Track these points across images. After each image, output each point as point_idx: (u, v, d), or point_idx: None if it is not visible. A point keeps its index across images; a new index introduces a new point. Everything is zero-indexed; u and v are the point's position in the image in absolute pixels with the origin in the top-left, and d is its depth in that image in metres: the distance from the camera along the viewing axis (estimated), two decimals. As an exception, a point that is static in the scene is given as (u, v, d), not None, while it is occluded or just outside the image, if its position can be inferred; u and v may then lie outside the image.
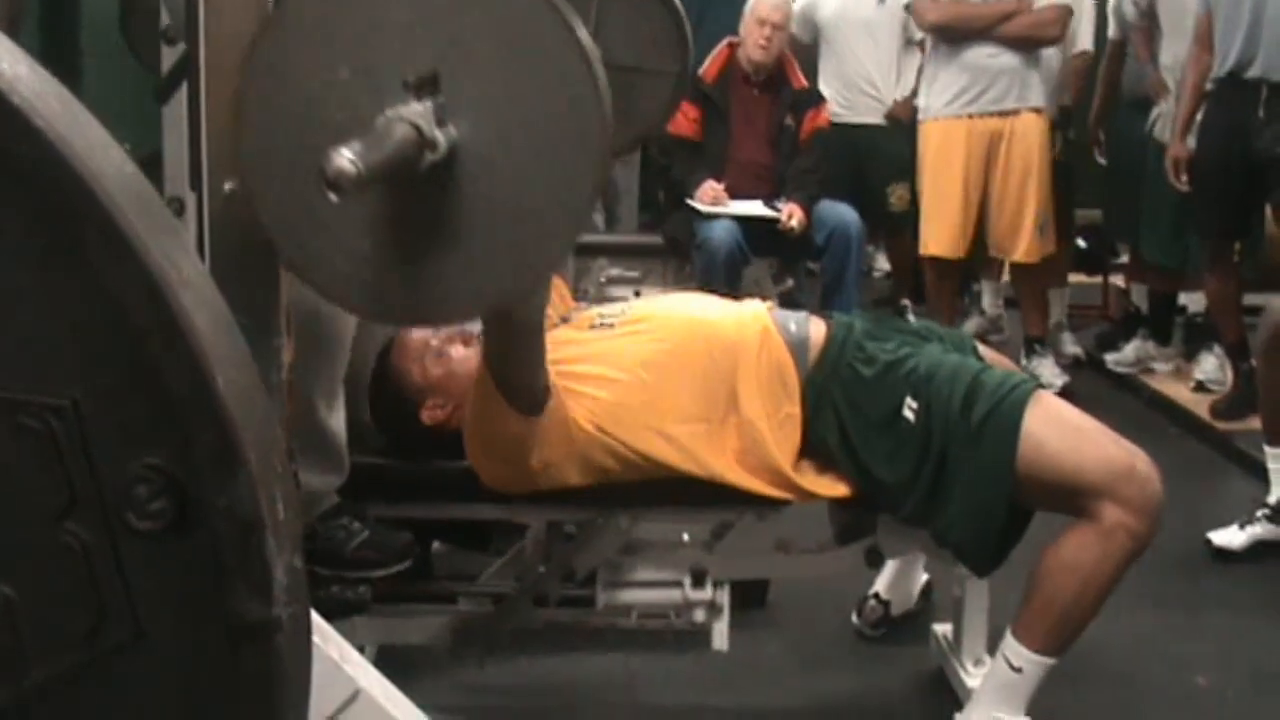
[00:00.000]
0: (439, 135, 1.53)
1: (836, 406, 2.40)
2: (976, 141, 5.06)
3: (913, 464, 2.34)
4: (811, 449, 2.42)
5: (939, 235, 5.16)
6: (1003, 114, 5.04)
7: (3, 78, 0.73)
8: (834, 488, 2.41)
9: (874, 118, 5.71)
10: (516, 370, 2.22)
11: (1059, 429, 2.34)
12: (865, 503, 2.45)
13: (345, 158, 1.37)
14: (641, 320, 2.47)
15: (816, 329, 2.49)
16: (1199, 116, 4.59)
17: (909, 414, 2.35)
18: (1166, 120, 4.95)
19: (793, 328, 2.47)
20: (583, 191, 1.62)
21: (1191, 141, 4.61)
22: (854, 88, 5.83)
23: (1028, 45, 5.01)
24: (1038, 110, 5.09)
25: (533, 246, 1.63)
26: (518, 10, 1.58)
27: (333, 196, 1.38)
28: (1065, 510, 2.34)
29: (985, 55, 4.99)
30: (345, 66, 1.60)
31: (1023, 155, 5.06)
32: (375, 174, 1.42)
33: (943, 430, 2.32)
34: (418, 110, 1.52)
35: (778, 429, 2.39)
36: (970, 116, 5.05)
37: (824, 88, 5.96)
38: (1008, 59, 4.99)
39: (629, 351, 2.40)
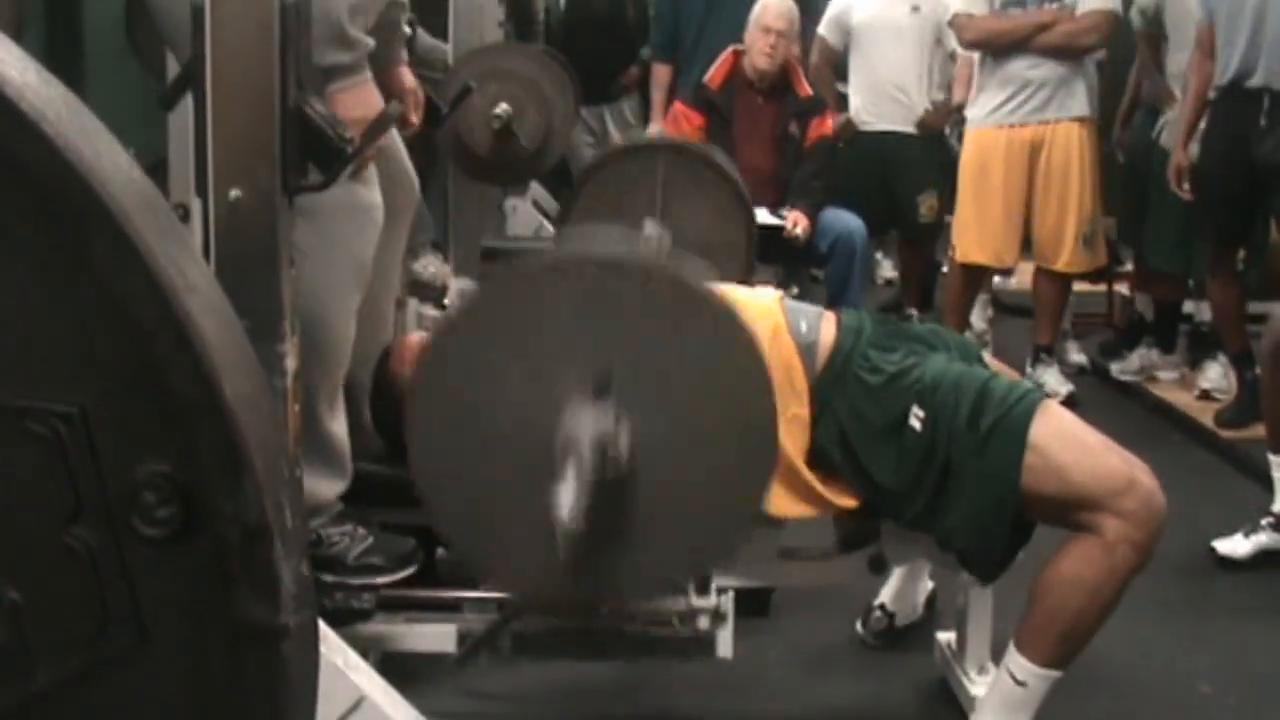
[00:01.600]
0: (622, 449, 1.61)
1: (839, 415, 2.39)
2: (1017, 151, 5.05)
3: (916, 472, 2.33)
4: (815, 456, 2.42)
5: (982, 243, 5.15)
6: (1043, 123, 5.04)
7: (11, 84, 0.73)
8: (842, 497, 2.40)
9: (903, 125, 5.65)
10: None
11: (1063, 441, 2.33)
12: (868, 509, 2.44)
13: (569, 516, 1.52)
14: None
15: (827, 331, 2.48)
16: (1202, 124, 4.59)
17: (915, 423, 2.34)
18: (1173, 127, 4.94)
19: (804, 328, 2.46)
20: (750, 502, 1.74)
21: (1195, 149, 4.61)
22: (883, 95, 5.81)
23: (1066, 54, 5.00)
24: (1080, 120, 5.07)
25: (703, 547, 1.75)
26: (682, 308, 1.64)
27: (563, 553, 1.53)
28: (1065, 524, 2.33)
29: (1025, 67, 4.99)
30: (517, 370, 1.67)
31: (1062, 165, 5.04)
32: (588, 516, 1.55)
33: (948, 439, 2.32)
34: (601, 425, 1.60)
35: (785, 427, 2.38)
36: (1010, 126, 5.05)
37: (853, 95, 5.96)
38: (1048, 69, 4.98)
39: None
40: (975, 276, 5.31)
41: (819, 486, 2.39)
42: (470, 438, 1.69)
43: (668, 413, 1.66)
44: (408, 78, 2.67)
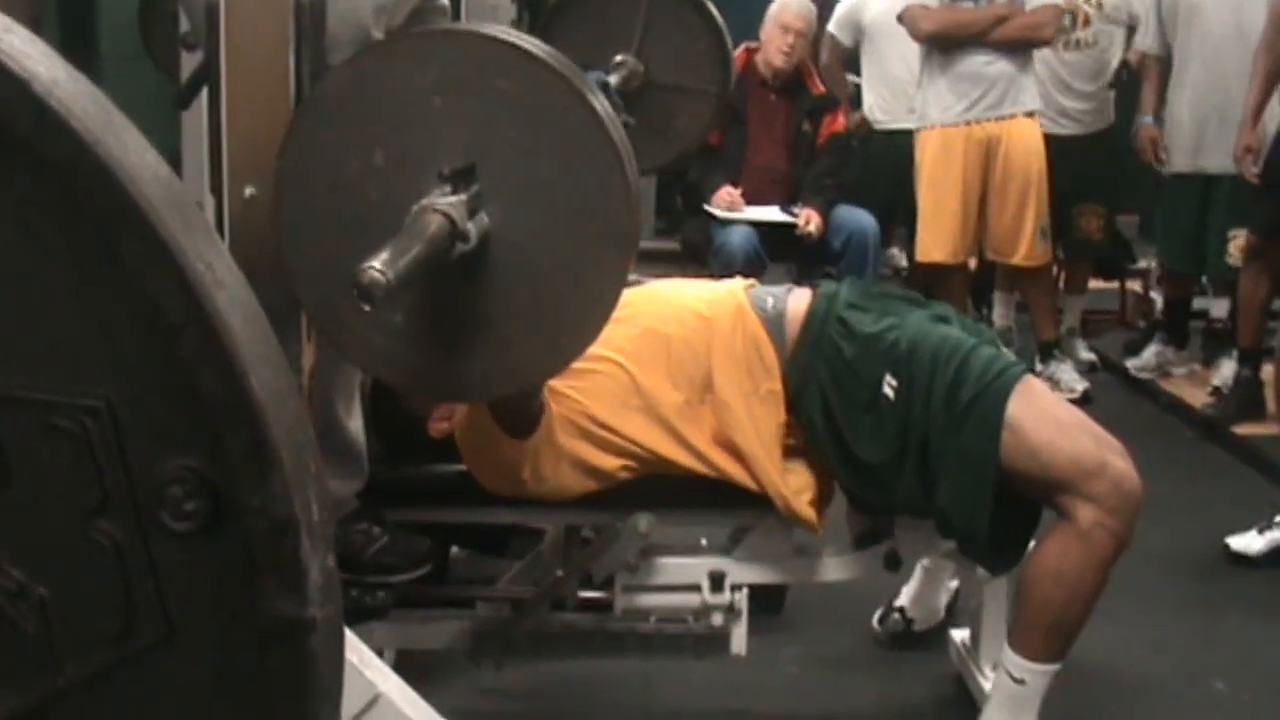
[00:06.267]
0: (470, 227, 1.58)
1: (821, 385, 2.37)
2: (974, 148, 5.04)
3: (894, 445, 2.30)
4: (797, 428, 2.40)
5: (939, 241, 5.15)
6: (999, 119, 5.02)
7: (39, 81, 0.74)
8: (807, 488, 2.40)
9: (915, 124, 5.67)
10: (521, 416, 2.25)
11: (1039, 419, 2.29)
12: (855, 494, 2.45)
13: (374, 269, 1.41)
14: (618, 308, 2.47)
15: (796, 303, 2.45)
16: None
17: (889, 391, 2.31)
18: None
19: (769, 303, 2.45)
20: (612, 278, 1.69)
21: (1272, 128, 4.48)
22: (897, 93, 5.80)
23: (1022, 48, 4.98)
24: (1031, 114, 5.07)
25: (563, 332, 1.71)
26: (549, 102, 1.62)
27: (365, 306, 1.43)
28: (1042, 502, 2.32)
29: (980, 62, 4.95)
30: (382, 152, 1.63)
31: (1020, 160, 5.04)
32: (405, 279, 1.46)
33: (923, 412, 2.29)
34: (451, 201, 1.56)
35: (758, 406, 2.36)
36: (968, 124, 5.03)
37: (866, 93, 5.95)
38: (1003, 65, 4.96)
39: (605, 339, 2.39)
40: (945, 275, 5.27)
41: (776, 465, 2.38)
42: (333, 216, 1.66)
43: (527, 203, 1.63)
44: None
